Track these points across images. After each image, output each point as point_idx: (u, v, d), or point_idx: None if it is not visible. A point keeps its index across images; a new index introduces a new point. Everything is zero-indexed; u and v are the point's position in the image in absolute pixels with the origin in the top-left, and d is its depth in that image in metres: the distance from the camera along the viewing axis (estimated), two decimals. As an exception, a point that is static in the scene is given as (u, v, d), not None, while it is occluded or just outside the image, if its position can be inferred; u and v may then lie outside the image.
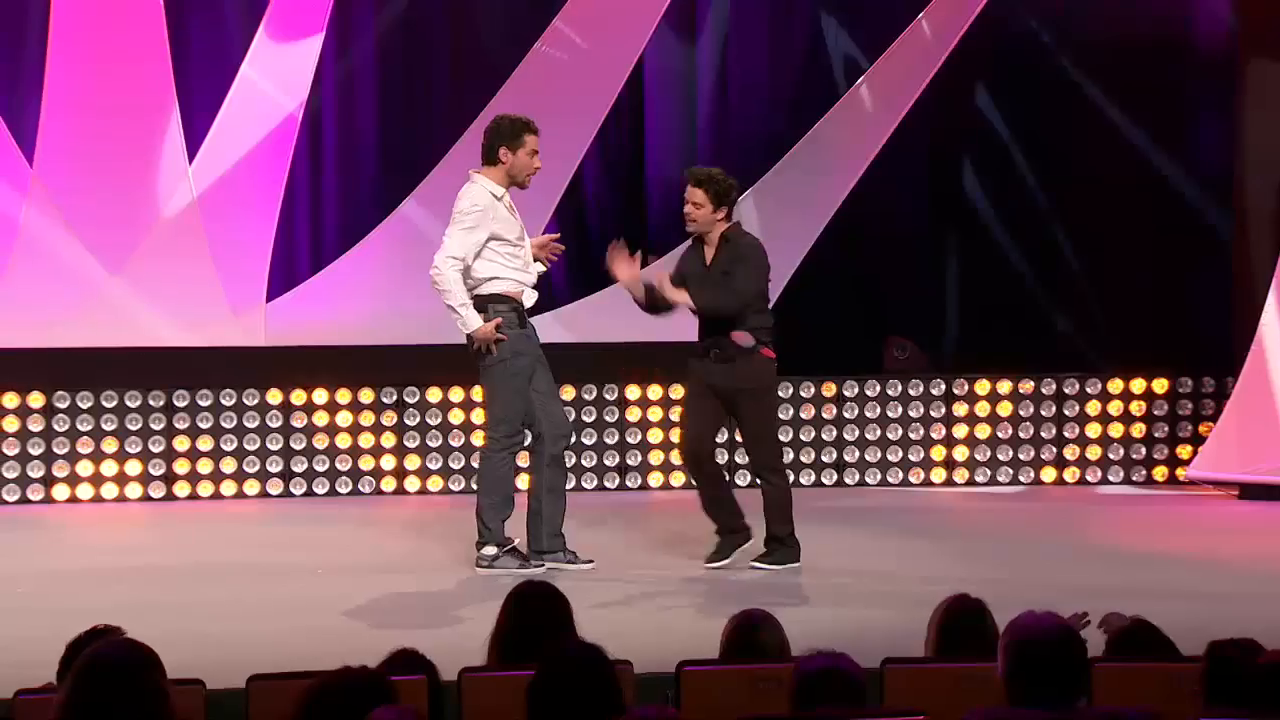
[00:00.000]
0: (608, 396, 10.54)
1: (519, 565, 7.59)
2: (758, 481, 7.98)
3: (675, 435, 10.50)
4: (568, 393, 10.42)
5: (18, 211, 10.05)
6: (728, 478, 8.35)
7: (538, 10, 10.57)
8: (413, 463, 10.30)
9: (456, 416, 10.37)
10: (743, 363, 7.70)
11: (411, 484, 10.29)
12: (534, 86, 10.48)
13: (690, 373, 7.90)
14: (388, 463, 10.29)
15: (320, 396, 10.22)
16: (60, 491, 9.91)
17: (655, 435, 10.52)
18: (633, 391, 10.56)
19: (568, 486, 7.89)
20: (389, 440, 10.25)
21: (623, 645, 4.39)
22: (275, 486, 10.12)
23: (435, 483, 10.31)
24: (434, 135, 10.58)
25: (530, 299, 7.83)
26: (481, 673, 4.57)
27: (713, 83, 11.07)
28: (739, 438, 8.24)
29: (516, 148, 7.74)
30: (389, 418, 10.28)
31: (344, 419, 10.22)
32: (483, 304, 7.67)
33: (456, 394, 10.37)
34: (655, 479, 10.52)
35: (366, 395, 10.26)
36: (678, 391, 10.55)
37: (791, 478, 10.50)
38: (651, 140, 10.99)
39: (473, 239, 7.63)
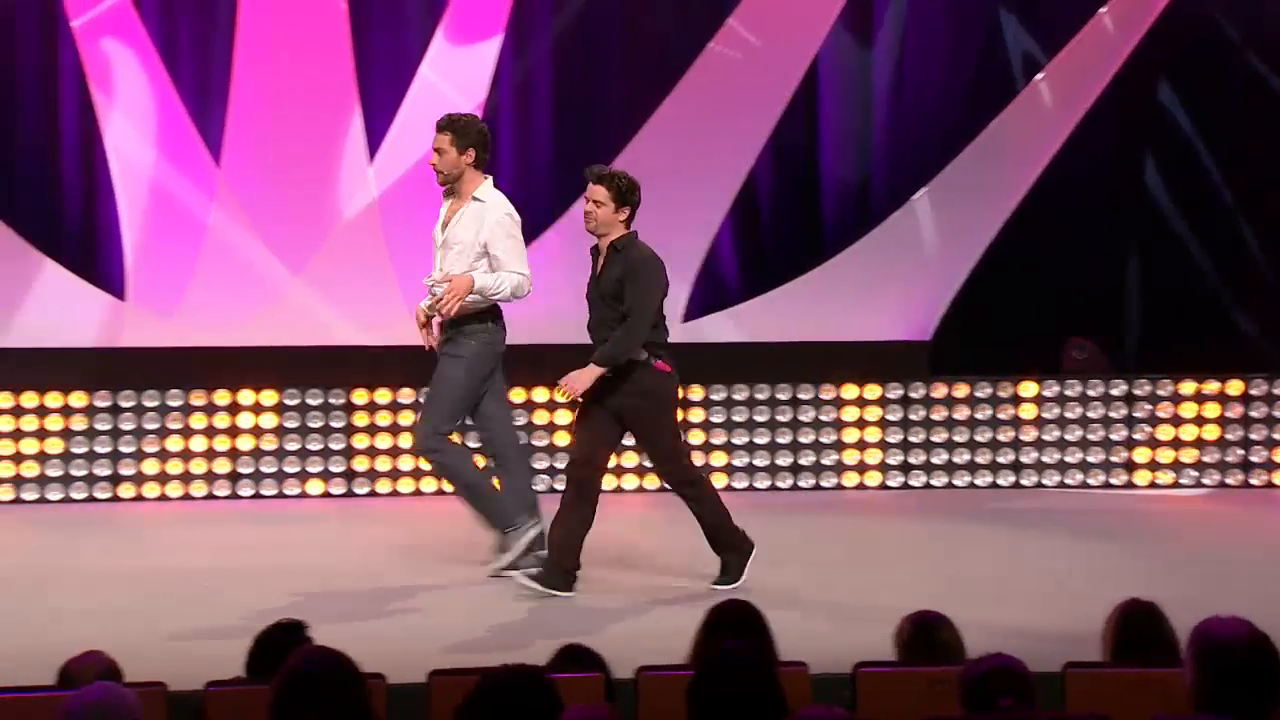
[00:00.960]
0: (780, 396, 10.50)
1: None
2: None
3: (850, 435, 10.49)
4: (740, 392, 10.42)
5: (206, 213, 10.28)
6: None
7: (712, 9, 10.57)
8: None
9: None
10: (637, 377, 7.32)
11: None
12: (707, 85, 10.49)
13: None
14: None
15: (517, 396, 10.32)
16: (245, 488, 10.12)
17: (850, 435, 10.43)
18: (805, 391, 10.51)
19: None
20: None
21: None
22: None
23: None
24: (609, 135, 10.63)
25: (423, 303, 7.82)
26: (659, 672, 4.58)
27: (889, 80, 10.97)
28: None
29: None
30: (562, 416, 10.35)
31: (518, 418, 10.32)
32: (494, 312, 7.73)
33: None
34: (828, 480, 10.48)
35: (540, 394, 10.34)
36: (850, 391, 10.52)
37: (968, 479, 10.51)
38: (825, 139, 10.92)
39: None
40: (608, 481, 9.11)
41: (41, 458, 9.92)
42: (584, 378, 7.31)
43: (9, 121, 10.22)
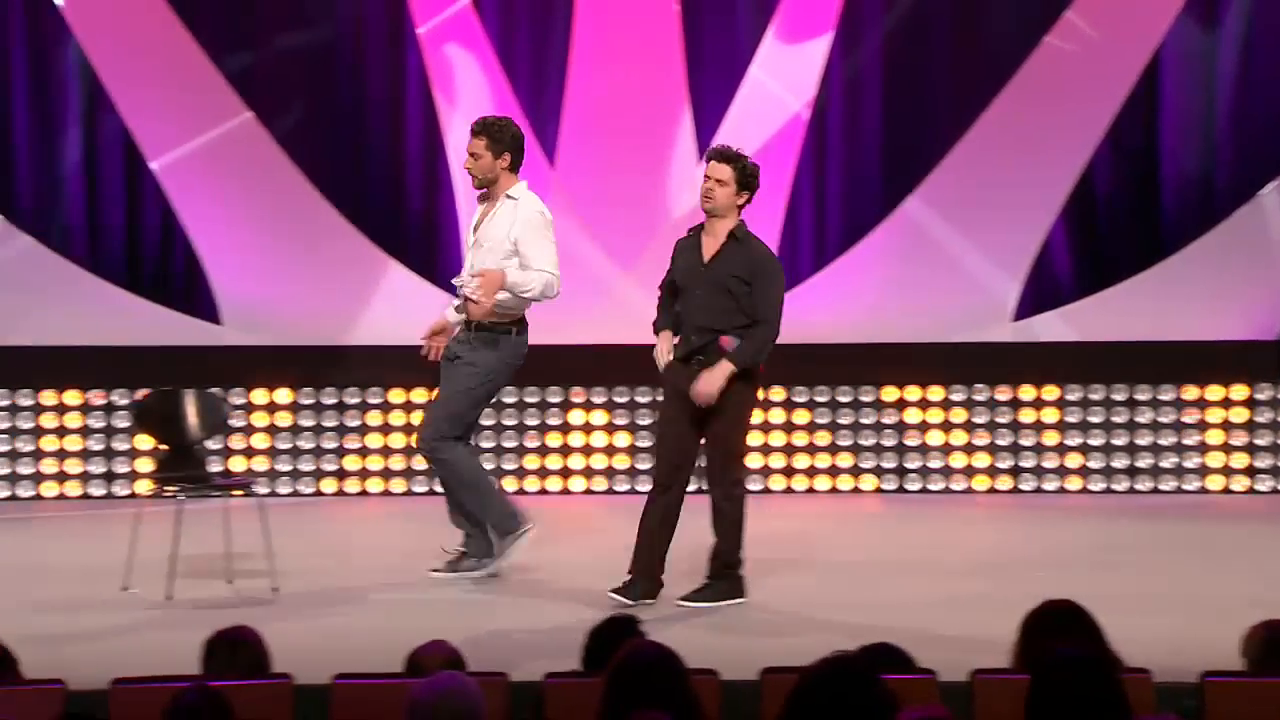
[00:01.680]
0: (1116, 398, 10.25)
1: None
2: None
3: (1190, 437, 10.17)
4: (1074, 393, 10.21)
5: (539, 212, 10.49)
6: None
7: (1049, 3, 10.35)
8: (913, 461, 10.28)
9: (958, 415, 10.28)
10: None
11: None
12: (1041, 80, 10.29)
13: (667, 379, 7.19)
14: (888, 461, 10.29)
15: (821, 395, 10.30)
16: (577, 483, 10.31)
17: (1190, 437, 10.15)
18: (1143, 392, 10.24)
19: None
20: (865, 438, 10.26)
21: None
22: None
23: (913, 482, 10.24)
24: (939, 133, 10.51)
25: (451, 303, 7.82)
26: (996, 675, 4.51)
27: (1234, 66, 10.54)
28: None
29: None
30: (889, 415, 10.28)
31: (845, 416, 10.28)
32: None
33: (958, 392, 10.29)
34: (1167, 483, 10.20)
35: (867, 394, 10.29)
36: (1191, 393, 10.21)
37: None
38: (1166, 130, 10.59)
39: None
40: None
41: (385, 451, 10.25)
42: (717, 380, 7.02)
43: (359, 126, 10.61)
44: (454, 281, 7.79)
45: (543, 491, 10.24)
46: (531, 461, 10.26)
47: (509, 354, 7.62)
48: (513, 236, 7.56)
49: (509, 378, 7.79)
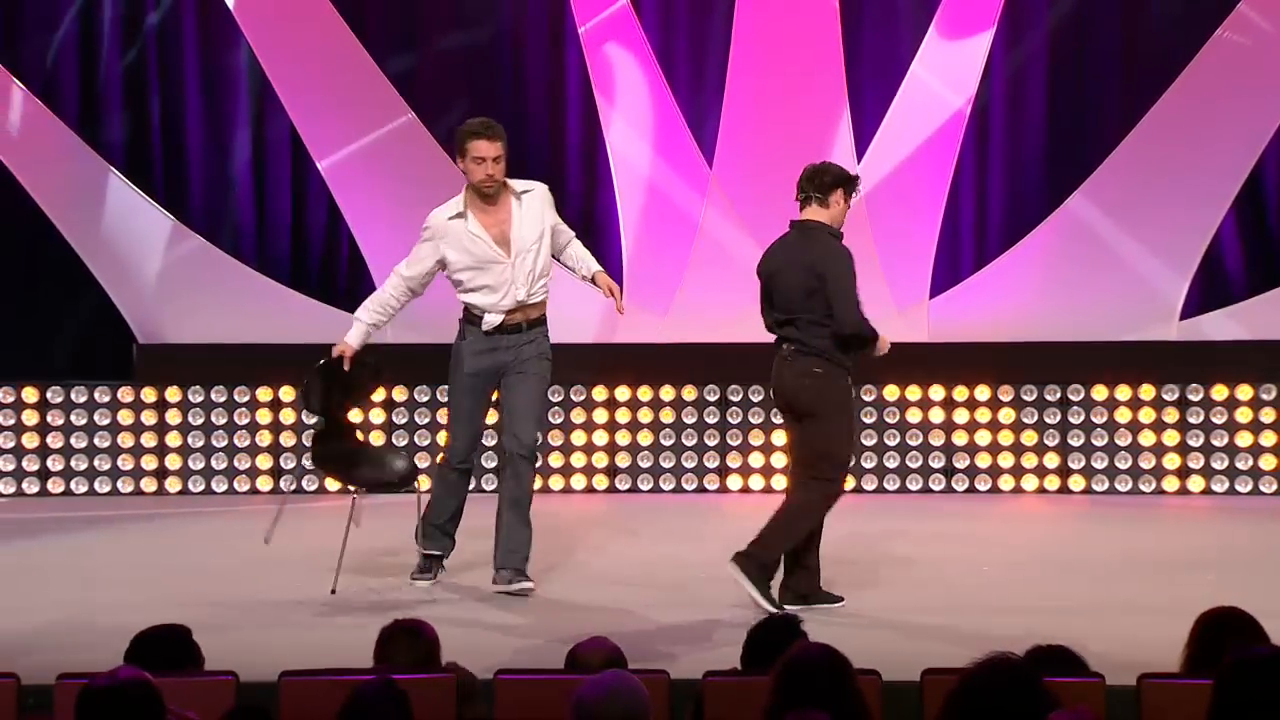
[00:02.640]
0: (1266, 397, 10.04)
1: (419, 576, 7.41)
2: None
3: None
4: (1244, 392, 10.01)
5: (698, 212, 10.51)
6: None
7: (1223, -2, 10.16)
8: (1077, 461, 10.14)
9: (1123, 415, 10.13)
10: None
11: (1083, 483, 10.15)
12: (1212, 75, 10.10)
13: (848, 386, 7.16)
14: (1051, 460, 10.16)
15: (982, 393, 10.20)
16: (722, 481, 10.31)
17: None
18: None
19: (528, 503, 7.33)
20: (1027, 438, 10.13)
21: None
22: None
23: (1077, 482, 10.09)
24: (1103, 129, 10.36)
25: (489, 323, 7.32)
26: (1164, 679, 4.45)
27: None
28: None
29: (463, 157, 7.33)
30: (1051, 415, 10.15)
31: (1006, 416, 10.17)
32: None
33: (1123, 392, 10.13)
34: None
35: (1029, 392, 10.17)
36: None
37: None
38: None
39: (416, 258, 7.44)
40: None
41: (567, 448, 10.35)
42: None
43: (519, 125, 10.70)
44: (484, 298, 7.34)
45: (700, 490, 10.25)
46: (711, 460, 10.27)
47: (457, 349, 7.48)
48: (547, 222, 7.39)
49: (484, 374, 7.46)
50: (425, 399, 10.36)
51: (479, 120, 7.39)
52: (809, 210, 7.23)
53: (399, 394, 10.34)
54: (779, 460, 10.12)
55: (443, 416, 9.75)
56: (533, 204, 7.38)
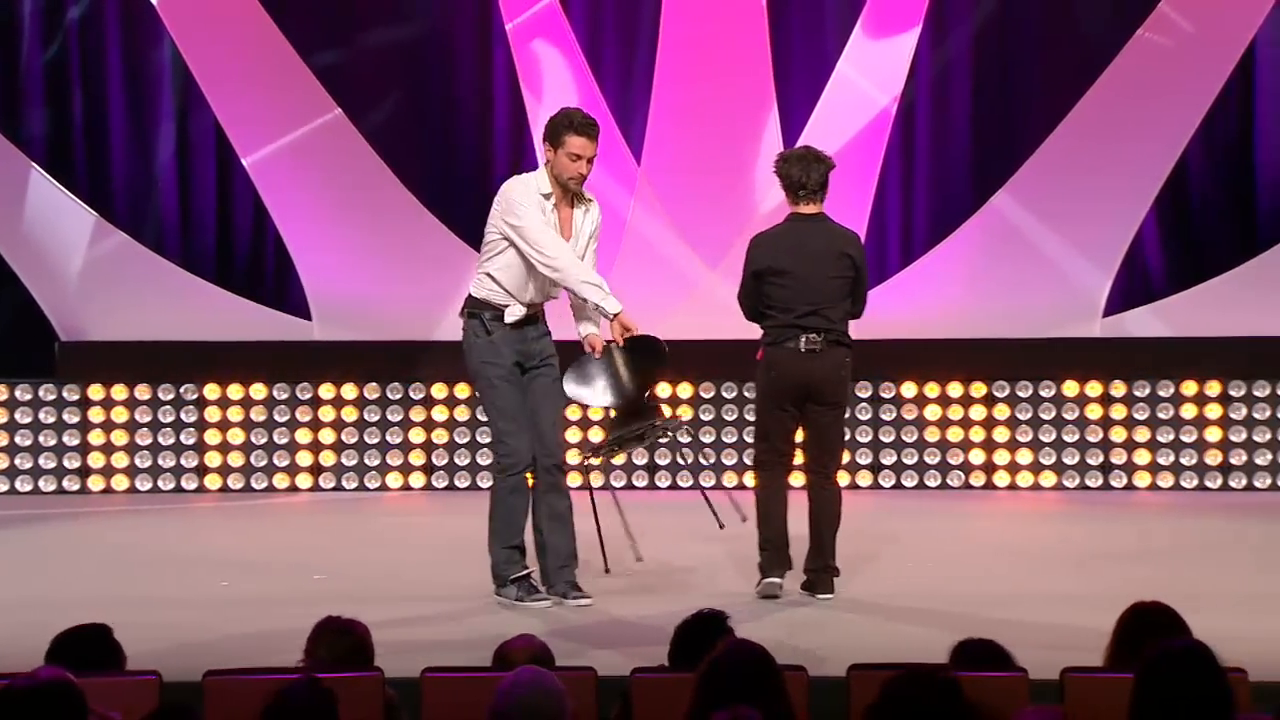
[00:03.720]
0: (1208, 393, 10.15)
1: (518, 598, 6.92)
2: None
3: (1264, 434, 10.07)
4: (1165, 388, 10.12)
5: (625, 208, 10.52)
6: None
7: (1148, -3, 10.27)
8: (1002, 457, 10.22)
9: (1047, 411, 10.21)
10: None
11: (1008, 479, 10.23)
12: (1134, 75, 10.20)
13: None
14: (976, 457, 10.24)
15: (908, 390, 10.26)
16: (651, 478, 10.33)
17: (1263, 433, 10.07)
18: (1237, 388, 10.14)
19: (569, 513, 7.01)
20: (991, 434, 10.20)
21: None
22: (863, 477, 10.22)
23: (1002, 477, 10.19)
24: (1028, 128, 10.44)
25: (515, 314, 6.98)
26: (1088, 673, 4.49)
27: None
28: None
29: (557, 147, 6.99)
30: (977, 412, 10.23)
31: (931, 412, 10.23)
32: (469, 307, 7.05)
33: (1048, 388, 10.21)
34: (1262, 479, 10.09)
35: (954, 389, 10.24)
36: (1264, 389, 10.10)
37: None
38: (1261, 125, 10.47)
39: (541, 228, 6.93)
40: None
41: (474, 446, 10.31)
42: None
43: (447, 122, 10.67)
44: (524, 282, 6.99)
45: (629, 486, 10.26)
46: (639, 457, 10.26)
47: (481, 346, 7.09)
48: (594, 237, 7.17)
49: (508, 368, 7.12)
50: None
51: (583, 115, 7.09)
52: (815, 204, 7.26)
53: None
54: (708, 457, 10.17)
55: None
56: (593, 213, 7.12)
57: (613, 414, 7.51)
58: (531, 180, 7.10)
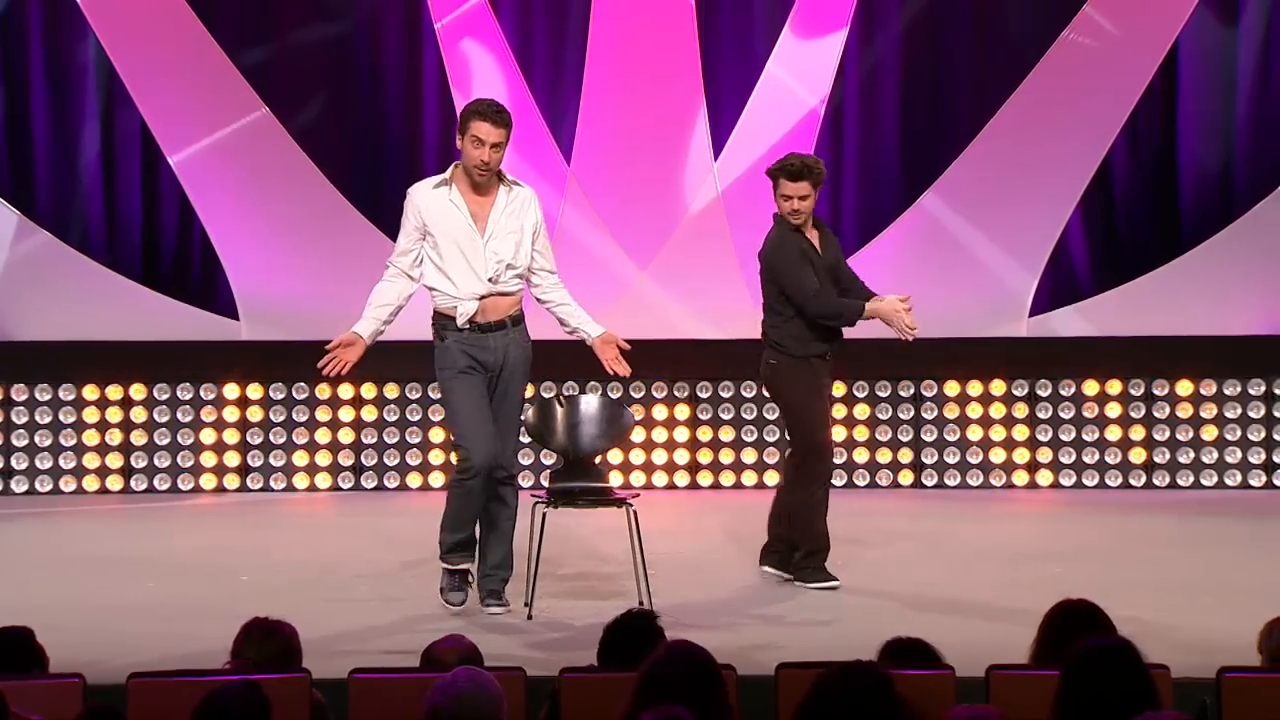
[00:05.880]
0: (1133, 392, 10.24)
1: (441, 587, 6.95)
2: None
3: (1209, 432, 10.17)
4: (1090, 388, 10.20)
5: (556, 209, 10.51)
6: None
7: (1067, -1, 10.34)
8: (930, 456, 10.27)
9: (974, 410, 10.28)
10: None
11: (935, 478, 10.29)
12: (1059, 76, 10.28)
13: (816, 373, 7.64)
14: (905, 456, 10.29)
15: (836, 389, 10.27)
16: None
17: (1209, 432, 10.16)
18: (1160, 387, 10.24)
19: (511, 520, 7.00)
20: (881, 433, 10.27)
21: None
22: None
23: (930, 477, 10.24)
24: (955, 128, 10.50)
25: (464, 314, 6.89)
26: (1013, 670, 4.51)
27: (1254, 61, 10.52)
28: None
29: (463, 134, 6.90)
30: (905, 411, 10.28)
31: (860, 411, 10.28)
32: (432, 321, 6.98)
33: (975, 387, 10.28)
34: (1185, 478, 10.20)
35: (883, 388, 10.28)
36: (1209, 388, 10.20)
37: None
38: (1184, 126, 10.57)
39: (401, 236, 6.98)
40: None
41: (403, 446, 10.28)
42: None
43: (376, 121, 10.62)
44: (453, 279, 6.91)
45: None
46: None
47: (438, 351, 7.05)
48: (530, 220, 6.99)
49: (458, 370, 7.02)
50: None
51: (489, 101, 7.03)
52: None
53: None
54: (638, 457, 10.18)
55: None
56: (526, 208, 7.00)
57: (561, 464, 7.41)
58: (433, 178, 7.11)
